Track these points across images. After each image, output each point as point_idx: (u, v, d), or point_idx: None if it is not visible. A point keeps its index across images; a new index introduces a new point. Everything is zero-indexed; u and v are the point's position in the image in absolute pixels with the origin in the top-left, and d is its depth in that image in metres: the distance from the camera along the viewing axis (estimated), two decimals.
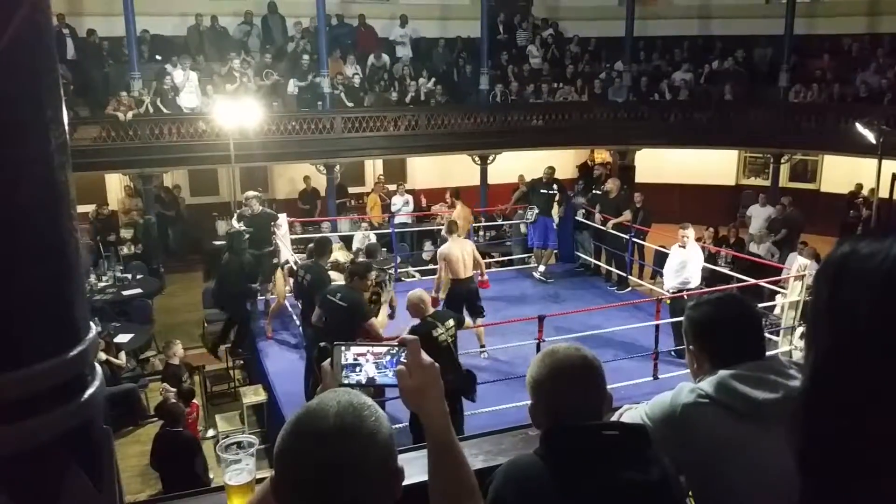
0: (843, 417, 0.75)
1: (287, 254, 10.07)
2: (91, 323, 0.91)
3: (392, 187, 15.23)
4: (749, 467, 1.78)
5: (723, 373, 1.88)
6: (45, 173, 0.83)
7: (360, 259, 8.80)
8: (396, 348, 1.48)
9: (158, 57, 14.49)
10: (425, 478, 1.43)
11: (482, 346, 8.44)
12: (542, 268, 11.54)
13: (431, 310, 6.44)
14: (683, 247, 8.66)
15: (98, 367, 0.93)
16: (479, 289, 8.93)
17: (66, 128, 0.90)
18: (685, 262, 8.56)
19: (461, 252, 8.55)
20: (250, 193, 10.42)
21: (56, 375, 0.83)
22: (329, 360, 1.56)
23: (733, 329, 1.97)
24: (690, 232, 8.73)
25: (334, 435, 1.11)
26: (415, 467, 1.34)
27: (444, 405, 1.44)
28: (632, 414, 2.04)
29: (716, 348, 1.96)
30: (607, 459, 1.61)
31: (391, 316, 8.37)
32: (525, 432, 2.22)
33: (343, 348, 1.54)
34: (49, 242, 0.83)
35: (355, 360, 1.54)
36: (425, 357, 1.44)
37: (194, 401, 8.01)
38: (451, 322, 6.32)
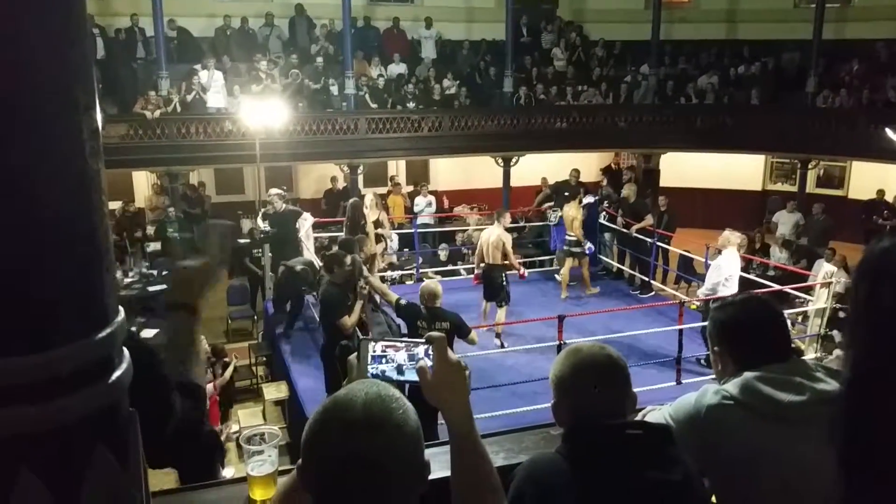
0: (883, 414, 0.74)
1: (309, 253, 10.13)
2: (119, 306, 0.92)
3: (409, 189, 15.24)
4: (773, 469, 1.76)
5: (747, 374, 1.85)
6: (77, 159, 0.84)
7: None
8: (423, 345, 1.49)
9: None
10: (447, 473, 1.42)
11: (497, 336, 8.81)
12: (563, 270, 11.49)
13: (438, 305, 6.43)
14: (719, 252, 8.55)
15: (125, 351, 0.94)
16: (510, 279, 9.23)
17: (99, 115, 0.91)
18: (716, 267, 8.38)
19: (485, 239, 9.16)
20: (273, 191, 10.49)
21: (84, 357, 0.84)
22: (355, 354, 1.57)
23: (758, 331, 1.94)
24: (721, 239, 8.55)
25: (361, 425, 1.11)
26: (437, 462, 1.34)
27: (468, 403, 1.44)
28: (655, 415, 2.02)
29: (741, 350, 1.94)
30: (630, 458, 1.59)
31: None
32: (546, 431, 2.20)
33: (371, 343, 1.55)
34: (80, 226, 0.84)
35: (382, 354, 1.55)
36: (451, 354, 1.45)
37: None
38: (445, 324, 6.25)
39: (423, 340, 1.50)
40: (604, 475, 1.58)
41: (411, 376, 1.49)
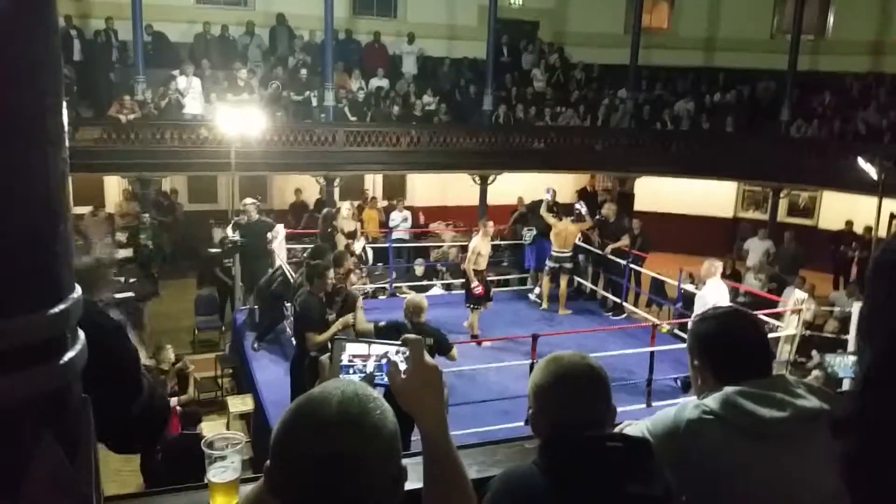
0: None
1: (282, 263, 10.00)
2: (75, 283, 0.85)
3: (385, 203, 15.22)
4: (753, 485, 1.72)
5: (728, 389, 1.81)
6: (35, 113, 0.78)
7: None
8: (399, 347, 1.44)
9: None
10: (419, 485, 1.36)
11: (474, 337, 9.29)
12: (537, 290, 11.49)
13: (423, 320, 6.37)
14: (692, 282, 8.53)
15: (81, 333, 0.86)
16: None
17: (60, 69, 0.84)
18: (701, 297, 8.35)
19: None
20: (248, 201, 10.35)
21: (34, 332, 0.76)
22: (328, 354, 1.52)
23: (739, 344, 1.90)
24: (703, 270, 8.55)
25: (336, 425, 1.04)
26: (410, 473, 1.27)
27: (443, 410, 1.38)
28: (633, 430, 1.96)
29: (721, 363, 1.89)
30: (610, 472, 1.54)
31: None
32: (521, 444, 2.14)
33: (344, 344, 1.50)
34: (35, 188, 0.77)
35: (352, 359, 1.49)
36: (428, 358, 1.39)
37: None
38: (429, 341, 6.15)
39: (399, 343, 1.45)
40: (582, 488, 1.52)
41: (385, 380, 1.43)
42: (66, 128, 0.83)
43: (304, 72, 15.04)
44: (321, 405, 1.07)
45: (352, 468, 1.03)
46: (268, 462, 1.10)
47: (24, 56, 0.76)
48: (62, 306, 0.80)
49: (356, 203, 14.49)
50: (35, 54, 0.78)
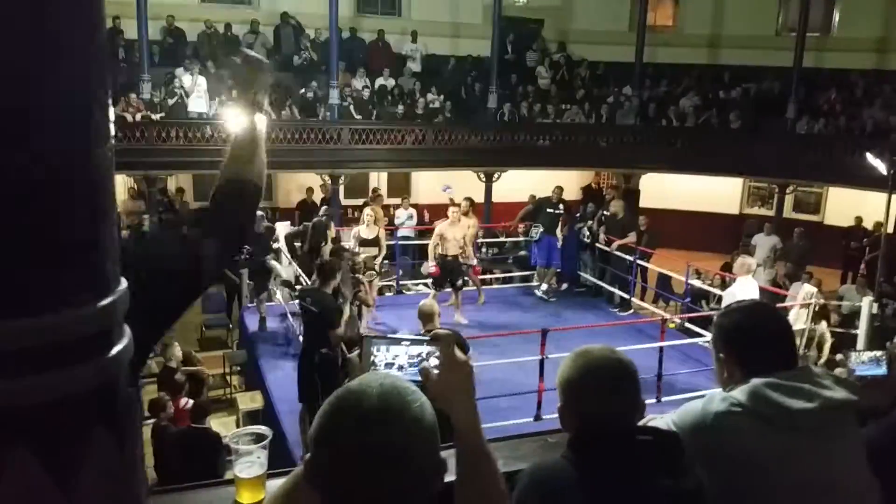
0: None
1: (285, 262, 10.02)
2: (121, 276, 0.84)
3: (397, 201, 15.19)
4: (782, 479, 1.71)
5: (755, 381, 1.80)
6: (83, 106, 0.77)
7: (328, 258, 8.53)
8: (429, 344, 1.43)
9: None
10: (451, 478, 1.35)
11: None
12: (544, 286, 11.48)
13: (437, 325, 6.35)
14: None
15: (126, 326, 0.85)
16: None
17: (106, 62, 0.83)
18: (730, 294, 8.26)
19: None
20: (257, 214, 10.29)
21: (84, 326, 0.75)
22: (357, 352, 1.52)
23: (765, 336, 1.89)
24: (737, 266, 8.48)
25: (377, 417, 1.04)
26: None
27: (475, 405, 1.37)
28: (658, 423, 1.95)
29: (747, 356, 1.88)
30: (640, 466, 1.53)
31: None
32: (544, 439, 2.14)
33: (373, 341, 1.50)
34: (82, 180, 0.76)
35: (392, 362, 1.49)
36: (459, 353, 1.38)
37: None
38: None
39: (427, 338, 1.45)
40: (613, 482, 1.52)
41: (416, 377, 1.43)
42: (112, 122, 0.82)
43: (308, 70, 15.03)
44: (362, 397, 1.07)
45: (393, 459, 1.03)
46: (307, 454, 1.10)
47: (72, 48, 0.76)
48: (110, 299, 0.79)
49: (360, 202, 14.48)
50: (82, 46, 0.77)
